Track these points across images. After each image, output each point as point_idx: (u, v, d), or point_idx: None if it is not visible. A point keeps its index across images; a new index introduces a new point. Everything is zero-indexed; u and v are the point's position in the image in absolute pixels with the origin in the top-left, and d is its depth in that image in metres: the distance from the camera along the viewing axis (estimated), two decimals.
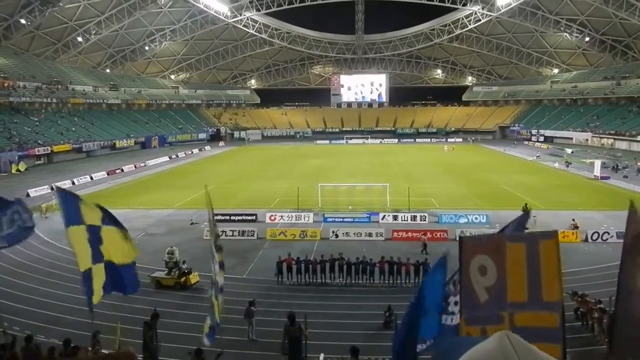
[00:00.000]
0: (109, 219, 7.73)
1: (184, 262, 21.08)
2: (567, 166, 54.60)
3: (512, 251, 3.68)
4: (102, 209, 7.82)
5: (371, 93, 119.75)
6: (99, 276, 7.49)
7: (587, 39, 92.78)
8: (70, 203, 7.58)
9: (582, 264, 21.80)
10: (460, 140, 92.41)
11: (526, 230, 4.72)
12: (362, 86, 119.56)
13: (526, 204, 30.18)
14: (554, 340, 3.37)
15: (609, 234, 25.92)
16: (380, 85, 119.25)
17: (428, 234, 26.67)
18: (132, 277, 8.02)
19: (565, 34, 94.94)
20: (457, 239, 4.33)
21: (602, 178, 45.83)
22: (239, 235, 27.96)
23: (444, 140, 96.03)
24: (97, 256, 7.44)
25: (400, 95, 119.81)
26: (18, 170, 56.89)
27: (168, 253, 21.04)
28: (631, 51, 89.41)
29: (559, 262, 3.52)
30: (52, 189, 43.64)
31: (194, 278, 20.73)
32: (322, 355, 12.45)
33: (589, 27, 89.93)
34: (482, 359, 1.37)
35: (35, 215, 32.85)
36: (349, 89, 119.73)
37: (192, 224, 30.74)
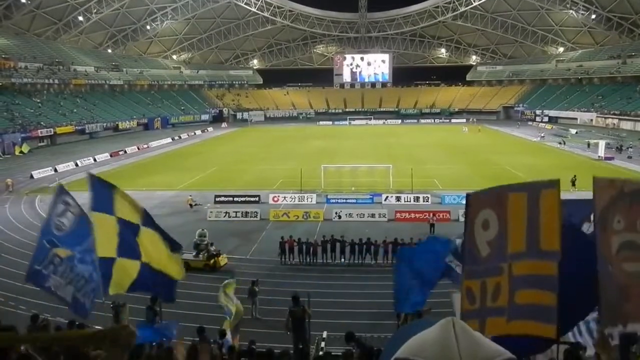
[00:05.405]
0: (150, 222, 7.14)
1: (211, 244, 20.88)
2: (589, 147, 52.63)
3: (513, 201, 3.70)
4: (143, 210, 7.17)
5: (374, 73, 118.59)
6: (127, 272, 7.02)
7: (593, 16, 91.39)
8: (100, 190, 6.98)
9: None
10: (464, 120, 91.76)
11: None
12: (366, 66, 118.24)
13: (575, 176, 29.95)
14: (550, 288, 3.41)
15: None
16: (384, 64, 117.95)
17: (435, 215, 26.51)
18: (171, 288, 7.45)
19: (571, 11, 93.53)
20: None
21: (606, 159, 45.64)
22: (242, 216, 28.14)
23: (447, 120, 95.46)
24: (129, 252, 6.89)
25: (404, 75, 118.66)
26: (21, 152, 57.02)
27: (200, 235, 20.70)
28: (638, 29, 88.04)
29: (559, 212, 3.54)
30: (55, 170, 43.89)
31: (222, 260, 20.67)
32: (325, 333, 12.63)
33: (596, 4, 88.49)
34: (421, 346, 1.38)
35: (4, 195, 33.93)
36: (352, 68, 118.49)
37: (195, 205, 30.82)
